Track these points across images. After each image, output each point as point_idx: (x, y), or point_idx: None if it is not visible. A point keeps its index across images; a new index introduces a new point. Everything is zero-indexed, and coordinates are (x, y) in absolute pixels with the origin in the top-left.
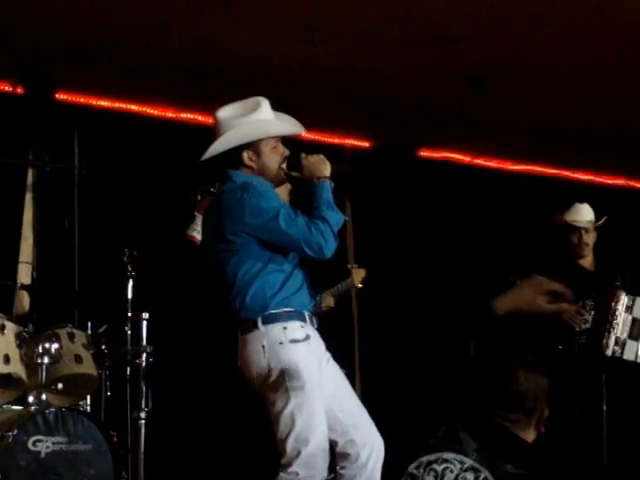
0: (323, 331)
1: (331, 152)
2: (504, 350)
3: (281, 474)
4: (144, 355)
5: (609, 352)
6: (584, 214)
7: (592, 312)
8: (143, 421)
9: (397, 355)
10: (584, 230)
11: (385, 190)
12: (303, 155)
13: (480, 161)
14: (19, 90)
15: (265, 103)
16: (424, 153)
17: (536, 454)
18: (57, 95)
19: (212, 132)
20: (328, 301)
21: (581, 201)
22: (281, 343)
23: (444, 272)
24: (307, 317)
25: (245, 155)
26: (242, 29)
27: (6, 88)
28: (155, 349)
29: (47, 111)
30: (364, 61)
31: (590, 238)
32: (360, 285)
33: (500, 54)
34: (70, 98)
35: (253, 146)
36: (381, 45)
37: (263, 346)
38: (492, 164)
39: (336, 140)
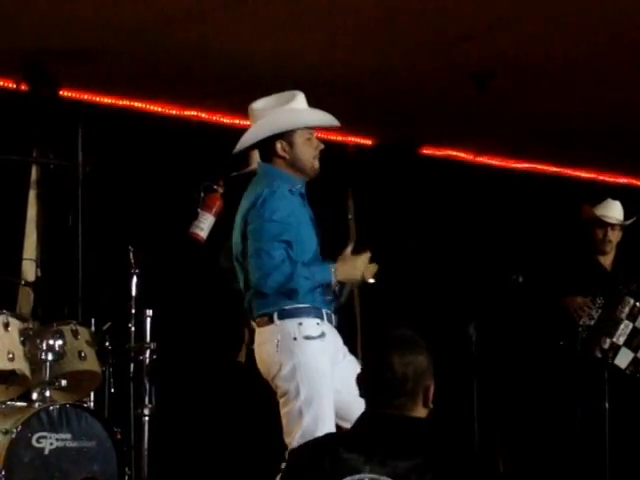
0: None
1: (334, 150)
2: (378, 334)
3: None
4: (148, 352)
5: (598, 354)
6: (614, 211)
7: (599, 310)
8: (147, 418)
9: None
10: (610, 227)
11: (388, 188)
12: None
13: (483, 159)
14: (23, 87)
15: (300, 95)
16: (427, 151)
17: (431, 429)
18: (61, 92)
19: (215, 129)
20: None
21: (613, 198)
22: (295, 339)
23: (446, 271)
24: (325, 314)
25: (278, 145)
26: (244, 28)
27: (10, 85)
28: (159, 346)
29: (51, 108)
30: (366, 59)
31: (615, 236)
32: (372, 280)
33: (503, 53)
34: (74, 95)
35: (286, 136)
36: (384, 43)
37: (278, 340)
38: (495, 162)
39: (339, 138)
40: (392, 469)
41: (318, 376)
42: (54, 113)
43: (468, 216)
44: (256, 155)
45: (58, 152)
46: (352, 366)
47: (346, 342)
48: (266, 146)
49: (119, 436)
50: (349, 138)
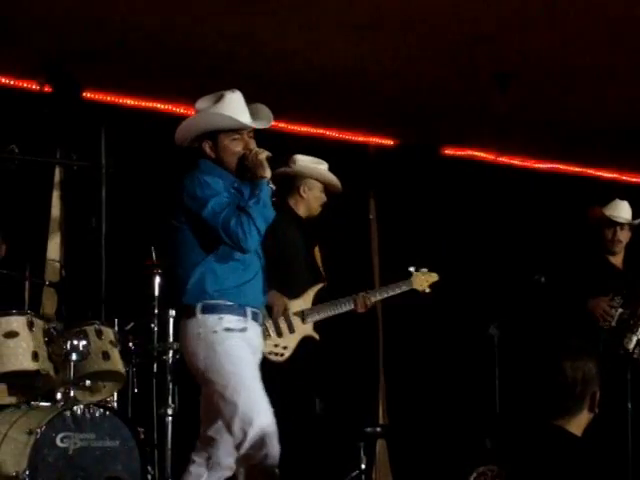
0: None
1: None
2: (549, 340)
3: (237, 459)
4: (171, 352)
5: (622, 351)
6: (623, 211)
7: (619, 310)
8: (170, 417)
9: (422, 361)
10: (620, 227)
11: (409, 188)
12: (247, 152)
13: (504, 159)
14: (47, 89)
15: (229, 96)
16: (448, 151)
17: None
18: (84, 94)
19: None
20: (366, 300)
21: (621, 198)
22: (215, 332)
23: (468, 271)
24: (249, 312)
25: (205, 145)
26: (268, 28)
27: (34, 87)
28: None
29: (74, 110)
30: (389, 60)
31: (624, 235)
32: (427, 290)
33: (525, 53)
34: (97, 97)
35: (212, 137)
36: (406, 44)
37: (199, 334)
38: (516, 162)
39: (360, 139)
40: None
41: (241, 363)
42: (77, 114)
43: (490, 216)
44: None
45: (81, 153)
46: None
47: (367, 340)
48: (198, 145)
49: (142, 436)
50: (371, 139)
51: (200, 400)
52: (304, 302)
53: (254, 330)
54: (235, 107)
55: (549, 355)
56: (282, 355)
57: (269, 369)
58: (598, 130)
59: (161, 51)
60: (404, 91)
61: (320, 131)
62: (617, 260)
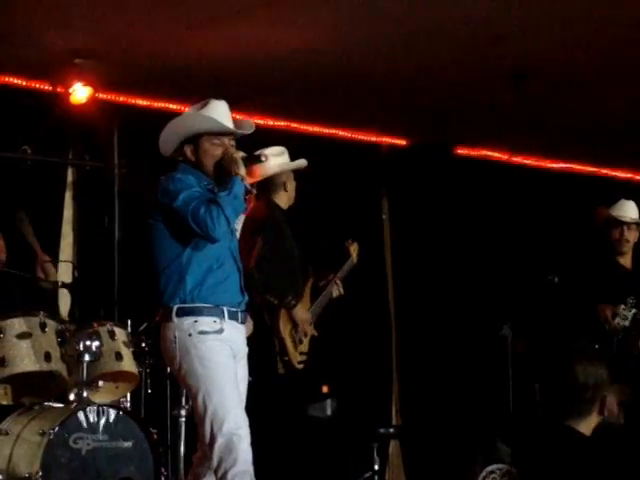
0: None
1: (368, 150)
2: (560, 344)
3: (210, 462)
4: None
5: (637, 351)
6: (630, 210)
7: (633, 310)
8: (183, 418)
9: (435, 361)
10: (627, 226)
11: (422, 188)
12: (224, 153)
13: (518, 159)
14: (59, 89)
15: (214, 103)
16: (461, 151)
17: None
18: (97, 94)
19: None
20: (336, 288)
21: (627, 198)
22: (190, 335)
23: (482, 271)
24: (225, 313)
25: (187, 149)
26: (276, 29)
27: (46, 87)
28: None
29: (87, 110)
30: (402, 60)
31: (632, 235)
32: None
33: (538, 53)
34: (110, 97)
35: (193, 141)
36: (419, 45)
37: (175, 337)
38: (530, 162)
39: (373, 138)
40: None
41: (215, 366)
42: (90, 115)
43: (503, 216)
44: None
45: (94, 154)
46: (243, 372)
47: (381, 341)
48: (179, 149)
49: (155, 437)
50: (383, 138)
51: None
52: (305, 303)
53: (233, 329)
54: (219, 113)
55: (562, 357)
56: (304, 362)
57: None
58: (612, 130)
59: (173, 51)
60: (417, 91)
61: (333, 131)
62: (626, 261)
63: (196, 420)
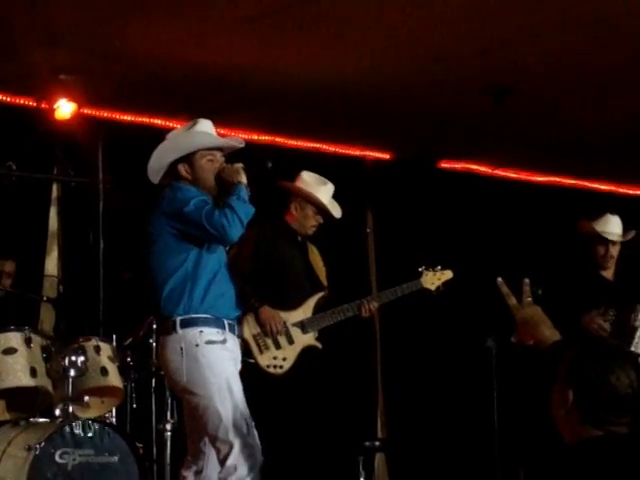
0: (344, 345)
1: (352, 164)
2: (597, 354)
3: (222, 472)
4: None
5: None
6: (615, 226)
7: (612, 323)
8: (169, 432)
9: (420, 374)
10: (612, 243)
11: (406, 201)
12: (223, 166)
13: (501, 172)
14: (44, 105)
15: (203, 121)
16: (445, 164)
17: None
18: (81, 110)
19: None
20: (370, 304)
21: (612, 212)
22: (197, 345)
23: (465, 283)
24: (226, 325)
25: (181, 168)
26: (263, 46)
27: (30, 103)
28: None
29: (71, 126)
30: (385, 75)
31: (616, 251)
32: (441, 287)
33: (522, 68)
34: (94, 112)
35: (188, 159)
36: (402, 58)
37: (181, 348)
38: (513, 175)
39: (357, 152)
40: None
41: (225, 374)
42: (75, 130)
43: (486, 229)
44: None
45: (79, 169)
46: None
47: (365, 354)
48: (172, 170)
49: (141, 451)
50: (367, 152)
51: (184, 416)
52: (303, 312)
53: (233, 341)
54: (210, 130)
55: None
56: (281, 367)
57: (271, 380)
58: (594, 143)
59: (157, 67)
60: (401, 105)
61: (317, 145)
62: (609, 273)
63: (205, 427)
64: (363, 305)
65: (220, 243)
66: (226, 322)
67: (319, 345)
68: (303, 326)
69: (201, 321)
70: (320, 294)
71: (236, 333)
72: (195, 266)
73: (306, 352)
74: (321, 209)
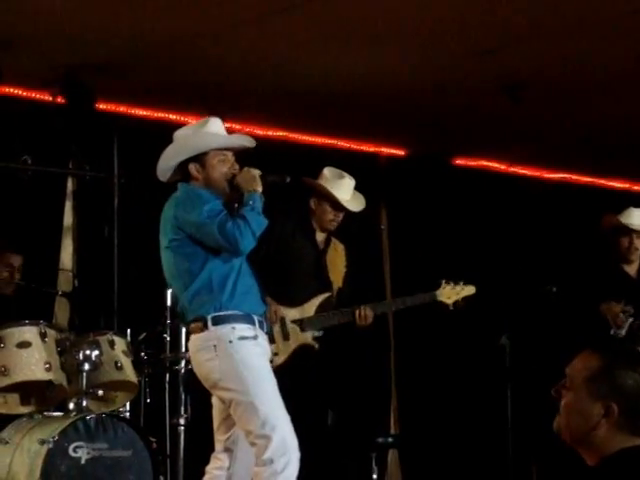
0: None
1: (366, 161)
2: (629, 361)
3: (258, 465)
4: (183, 362)
5: None
6: (639, 219)
7: (630, 319)
8: (182, 427)
9: (433, 371)
10: (636, 234)
11: (420, 198)
12: (240, 170)
13: (516, 169)
14: (60, 100)
15: (213, 120)
16: (459, 161)
17: None
18: (97, 104)
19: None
20: (366, 312)
21: (636, 205)
22: (230, 342)
23: (479, 282)
24: (256, 321)
25: (192, 168)
26: (279, 42)
27: (47, 98)
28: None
29: (87, 120)
30: (400, 71)
31: None
32: (460, 302)
33: (537, 64)
34: (110, 107)
35: (199, 159)
36: (417, 55)
37: (214, 345)
38: (528, 172)
39: (371, 149)
40: None
41: (259, 369)
42: (90, 125)
43: (501, 226)
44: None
45: (94, 164)
46: None
47: (379, 350)
48: (182, 169)
49: (155, 445)
50: (382, 149)
51: (213, 413)
52: (305, 310)
53: (263, 337)
54: (221, 130)
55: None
56: (271, 362)
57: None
58: (610, 140)
59: (173, 62)
60: (415, 102)
61: (331, 142)
62: (632, 269)
63: (240, 423)
64: (359, 311)
65: (231, 254)
66: (256, 318)
67: (316, 345)
68: (302, 324)
69: (232, 318)
70: (326, 295)
71: (265, 329)
72: (219, 264)
73: (306, 348)
74: (337, 204)
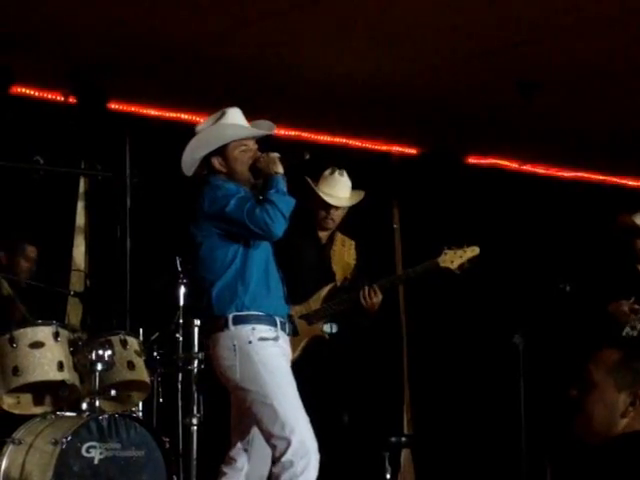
0: (371, 341)
1: (378, 159)
2: None
3: (277, 467)
4: (195, 361)
5: None
6: None
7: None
8: (195, 427)
9: (446, 370)
10: None
11: (433, 197)
12: (259, 155)
13: (528, 168)
14: (71, 100)
15: (231, 111)
16: (472, 160)
17: None
18: (109, 104)
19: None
20: (372, 291)
21: (637, 206)
22: (250, 342)
23: (493, 279)
24: (278, 322)
25: (215, 161)
26: (291, 41)
27: (59, 98)
28: (206, 355)
29: (99, 120)
30: (412, 70)
31: None
32: (465, 265)
33: (550, 62)
34: (122, 107)
35: (220, 151)
36: (429, 54)
37: (234, 345)
38: (540, 171)
39: (383, 147)
40: None
41: (279, 371)
42: (102, 125)
43: (513, 225)
44: None
45: (106, 164)
46: None
47: (392, 349)
48: (206, 163)
49: (168, 445)
50: (394, 147)
51: (231, 412)
52: (311, 305)
53: (284, 339)
54: (240, 119)
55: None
56: None
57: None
58: (623, 138)
59: (185, 62)
60: (427, 100)
61: (343, 140)
62: None
63: (260, 424)
64: (363, 290)
65: (265, 240)
66: (278, 320)
67: (325, 334)
68: (308, 318)
69: (253, 318)
70: (330, 286)
71: (287, 331)
72: (244, 263)
73: (318, 341)
74: (322, 201)
